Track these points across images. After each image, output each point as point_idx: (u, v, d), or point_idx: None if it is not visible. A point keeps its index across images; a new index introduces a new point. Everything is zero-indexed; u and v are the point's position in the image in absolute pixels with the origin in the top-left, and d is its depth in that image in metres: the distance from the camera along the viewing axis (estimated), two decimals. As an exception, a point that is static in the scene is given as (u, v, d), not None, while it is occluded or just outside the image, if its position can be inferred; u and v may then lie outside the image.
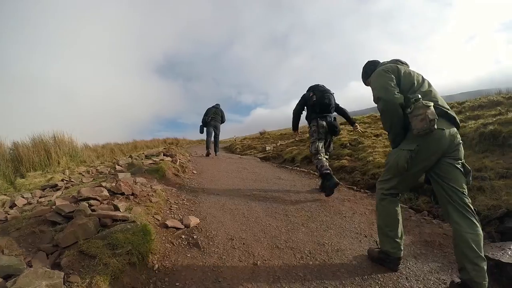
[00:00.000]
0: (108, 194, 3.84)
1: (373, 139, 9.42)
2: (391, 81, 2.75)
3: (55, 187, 5.50)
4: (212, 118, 11.50)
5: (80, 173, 7.38)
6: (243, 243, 3.33)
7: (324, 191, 5.30)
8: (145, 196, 4.17)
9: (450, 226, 2.66)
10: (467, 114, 8.59)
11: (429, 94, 2.69)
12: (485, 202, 4.16)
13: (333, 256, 3.09)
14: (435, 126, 2.44)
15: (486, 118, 7.29)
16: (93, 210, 3.26)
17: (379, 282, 2.66)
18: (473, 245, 2.34)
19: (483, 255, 2.34)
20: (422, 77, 2.85)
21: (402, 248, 2.81)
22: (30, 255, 2.48)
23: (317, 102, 5.68)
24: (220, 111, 11.84)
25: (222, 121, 11.94)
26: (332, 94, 5.81)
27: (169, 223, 3.55)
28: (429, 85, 2.80)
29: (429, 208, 4.75)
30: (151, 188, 4.64)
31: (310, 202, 4.92)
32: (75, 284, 2.08)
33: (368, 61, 3.43)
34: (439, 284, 2.64)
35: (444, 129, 2.53)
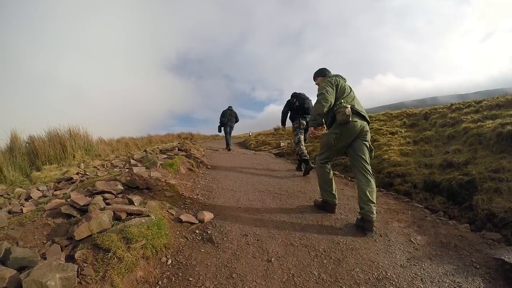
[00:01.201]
0: (122, 187, 3.86)
1: (389, 137, 9.28)
2: (331, 86, 4.08)
3: (70, 180, 5.54)
4: (228, 120, 13.49)
5: (95, 167, 7.43)
6: (257, 240, 3.30)
7: (301, 170, 7.35)
8: (159, 190, 4.18)
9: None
10: (485, 113, 8.37)
11: (350, 100, 4.05)
12: (502, 204, 4.06)
13: (348, 255, 3.04)
14: (350, 119, 3.82)
15: (504, 118, 7.09)
16: (107, 204, 3.27)
17: (393, 283, 2.61)
18: (367, 193, 3.70)
19: (373, 200, 3.69)
20: (349, 88, 4.23)
21: (337, 198, 4.25)
22: (44, 247, 2.50)
23: (299, 106, 7.41)
24: (234, 112, 13.81)
25: (236, 121, 13.97)
26: (310, 100, 7.49)
27: (183, 217, 3.54)
28: (351, 94, 4.15)
29: (445, 208, 4.67)
30: (166, 182, 4.64)
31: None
32: (89, 277, 2.08)
33: (323, 68, 4.72)
34: (454, 288, 2.59)
35: (356, 121, 3.90)
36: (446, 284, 2.61)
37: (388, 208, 4.49)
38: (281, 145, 14.03)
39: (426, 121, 9.83)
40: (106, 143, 13.50)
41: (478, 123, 7.47)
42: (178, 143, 13.56)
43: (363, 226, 3.67)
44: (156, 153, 8.48)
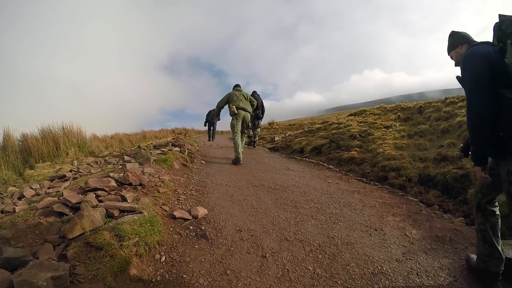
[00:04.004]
0: (115, 184, 3.82)
1: (383, 131, 9.28)
2: (224, 97, 8.17)
3: (63, 178, 5.51)
4: (212, 118, 17.43)
5: (88, 164, 7.39)
6: (252, 235, 3.29)
7: (254, 147, 11.75)
8: (153, 187, 4.15)
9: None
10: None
11: (237, 103, 7.73)
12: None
13: (343, 250, 3.04)
14: (235, 112, 7.68)
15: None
16: (100, 201, 3.24)
17: (389, 278, 2.60)
18: (242, 145, 7.91)
19: (242, 148, 7.73)
20: (241, 95, 7.94)
21: (241, 152, 7.54)
22: (37, 246, 2.47)
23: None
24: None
25: (218, 119, 16.80)
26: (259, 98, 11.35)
27: (177, 214, 3.53)
28: (239, 98, 7.86)
29: (439, 202, 4.67)
30: (159, 178, 4.61)
31: (319, 193, 4.86)
32: (81, 276, 2.06)
33: (236, 84, 8.52)
34: (450, 282, 2.58)
35: (240, 112, 7.74)
36: (442, 278, 2.61)
37: (383, 202, 4.50)
38: (275, 140, 13.99)
39: (420, 115, 9.85)
40: (100, 140, 13.45)
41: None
42: (172, 138, 13.51)
43: (236, 161, 7.48)
44: (150, 149, 8.45)
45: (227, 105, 8.24)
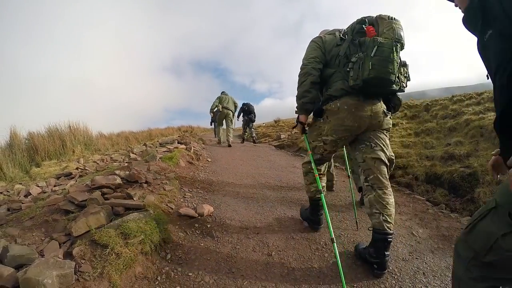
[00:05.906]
0: (121, 182, 3.83)
1: (390, 128, 9.23)
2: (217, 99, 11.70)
3: (69, 176, 5.53)
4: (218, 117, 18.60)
5: (94, 162, 7.42)
6: (258, 233, 3.27)
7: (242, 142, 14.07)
8: (158, 184, 4.15)
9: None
10: (486, 105, 8.29)
11: (223, 103, 11.21)
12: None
13: (349, 249, 3.02)
14: (220, 110, 11.22)
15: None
16: (106, 199, 3.25)
17: (395, 277, 2.58)
18: (230, 134, 11.35)
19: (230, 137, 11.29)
20: (226, 97, 11.44)
21: (223, 136, 11.98)
22: (42, 244, 2.47)
23: (247, 110, 13.71)
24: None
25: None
26: (253, 106, 14.04)
27: (182, 211, 3.51)
28: (225, 99, 11.33)
29: (446, 201, 4.63)
30: (165, 176, 4.61)
31: (326, 192, 4.83)
32: (87, 274, 2.05)
33: (222, 91, 12.28)
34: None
35: (224, 110, 11.22)
36: (448, 278, 2.58)
37: (389, 200, 4.47)
38: (282, 137, 13.94)
39: (427, 112, 9.78)
40: (106, 138, 13.50)
41: (480, 115, 7.41)
42: (178, 136, 13.53)
43: (219, 142, 11.80)
44: (156, 147, 8.45)
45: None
